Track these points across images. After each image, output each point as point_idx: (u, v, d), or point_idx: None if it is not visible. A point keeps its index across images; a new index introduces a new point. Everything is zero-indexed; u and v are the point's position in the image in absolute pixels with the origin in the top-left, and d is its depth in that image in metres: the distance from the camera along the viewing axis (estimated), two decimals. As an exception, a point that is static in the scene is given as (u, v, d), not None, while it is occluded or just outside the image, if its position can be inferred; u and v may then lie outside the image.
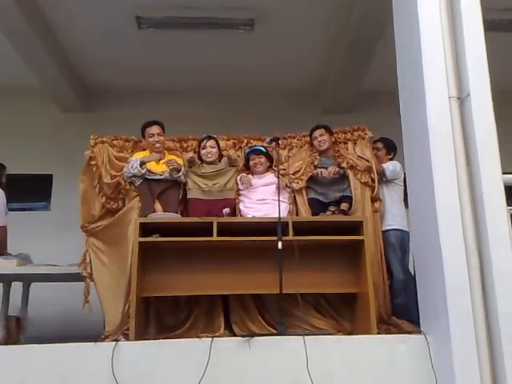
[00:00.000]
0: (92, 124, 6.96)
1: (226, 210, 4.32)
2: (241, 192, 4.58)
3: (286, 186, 4.53)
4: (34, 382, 3.41)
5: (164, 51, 7.04)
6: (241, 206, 4.51)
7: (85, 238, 4.49)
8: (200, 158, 4.66)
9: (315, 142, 4.74)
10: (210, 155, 4.59)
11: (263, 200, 4.42)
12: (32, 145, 7.53)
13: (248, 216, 4.37)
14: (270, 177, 4.58)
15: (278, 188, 4.14)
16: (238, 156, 4.80)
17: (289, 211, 4.44)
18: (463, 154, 3.48)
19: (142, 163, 4.41)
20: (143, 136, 4.65)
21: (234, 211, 4.48)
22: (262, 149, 4.62)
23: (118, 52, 7.05)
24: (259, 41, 6.80)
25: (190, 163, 4.57)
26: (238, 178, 4.59)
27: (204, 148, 4.62)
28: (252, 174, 4.66)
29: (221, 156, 4.67)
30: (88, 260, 4.39)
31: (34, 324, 5.23)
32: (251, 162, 4.65)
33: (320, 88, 7.85)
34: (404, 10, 4.05)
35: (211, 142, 4.64)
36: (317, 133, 4.74)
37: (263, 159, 4.62)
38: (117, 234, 4.36)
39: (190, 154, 4.64)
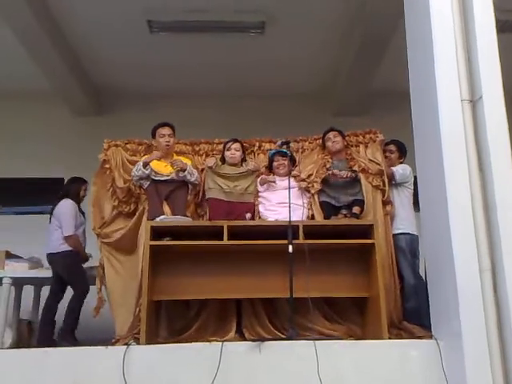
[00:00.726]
0: (103, 127, 6.99)
1: (248, 215, 4.32)
2: (260, 194, 4.58)
3: (306, 190, 4.54)
4: (46, 385, 3.43)
5: (175, 54, 7.06)
6: (261, 209, 4.51)
7: (98, 244, 4.51)
8: (223, 160, 4.68)
9: (329, 144, 4.71)
10: (233, 157, 4.60)
11: (284, 203, 4.39)
12: (44, 148, 7.59)
13: (269, 219, 4.37)
14: (292, 180, 4.57)
15: (289, 191, 4.08)
16: (251, 158, 4.82)
17: (308, 216, 4.44)
18: (475, 157, 3.45)
19: (145, 164, 4.42)
20: (153, 137, 4.67)
21: (253, 215, 4.48)
22: (287, 152, 4.58)
23: (129, 56, 7.08)
24: (269, 43, 6.80)
25: (210, 168, 4.56)
26: (259, 179, 4.59)
27: (229, 150, 4.63)
28: (273, 175, 4.66)
29: (243, 160, 4.69)
30: (102, 267, 4.43)
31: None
32: (275, 164, 4.65)
33: (330, 90, 7.83)
34: (415, 11, 4.03)
35: (236, 145, 4.65)
36: (331, 134, 4.73)
37: (287, 161, 4.60)
38: (131, 240, 4.39)
39: (213, 161, 4.58)
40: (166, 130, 4.61)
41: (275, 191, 4.53)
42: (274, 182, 4.56)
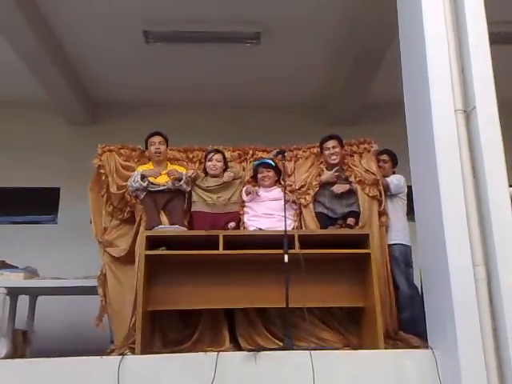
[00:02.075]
0: (99, 137, 6.88)
1: (232, 225, 4.34)
2: (246, 204, 4.57)
3: (293, 202, 4.51)
4: (40, 396, 3.40)
5: (171, 65, 7.10)
6: (245, 218, 4.51)
7: (101, 253, 4.50)
8: (204, 171, 4.69)
9: (326, 153, 4.66)
10: (214, 168, 4.61)
11: (269, 214, 4.42)
12: (39, 158, 7.61)
13: (251, 228, 4.37)
14: (277, 191, 4.57)
15: (284, 202, 4.12)
16: (243, 168, 4.82)
17: (293, 228, 4.42)
18: (469, 167, 3.46)
19: (143, 177, 4.43)
20: (146, 147, 4.71)
21: (239, 225, 4.48)
22: (272, 162, 4.61)
23: (125, 66, 7.12)
24: (265, 54, 6.85)
25: (195, 178, 4.59)
26: (244, 188, 4.59)
27: (210, 161, 4.64)
28: (259, 187, 4.66)
29: (225, 170, 4.69)
30: (103, 275, 4.43)
31: (40, 337, 5.23)
32: (259, 175, 4.65)
33: (325, 100, 7.88)
34: (409, 23, 4.06)
35: (218, 156, 4.66)
36: (330, 143, 4.66)
37: (271, 173, 4.61)
38: (132, 251, 4.39)
39: (191, 172, 4.61)
40: (155, 139, 4.65)
41: (260, 202, 4.53)
42: (257, 194, 4.54)
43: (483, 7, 3.69)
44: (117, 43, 6.64)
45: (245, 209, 4.57)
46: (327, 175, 4.57)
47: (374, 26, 5.94)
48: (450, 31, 3.74)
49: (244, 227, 4.47)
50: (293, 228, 4.41)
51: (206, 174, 4.68)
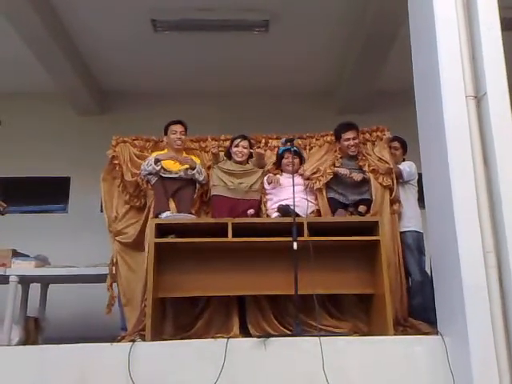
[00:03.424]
0: (108, 126, 7.00)
1: (251, 211, 4.29)
2: (268, 191, 4.57)
3: (311, 188, 4.52)
4: (52, 382, 3.44)
5: (179, 53, 7.08)
6: (268, 204, 4.52)
7: (111, 242, 4.53)
8: (227, 155, 4.68)
9: (345, 144, 4.62)
10: (240, 155, 4.60)
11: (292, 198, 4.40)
12: (50, 148, 7.64)
13: (274, 214, 4.37)
14: (299, 178, 4.56)
15: (293, 188, 4.09)
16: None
17: (313, 211, 4.45)
18: (480, 153, 3.44)
19: (157, 160, 4.44)
20: (165, 133, 4.70)
21: (258, 213, 4.48)
22: (297, 149, 4.58)
23: (133, 55, 7.11)
24: (274, 42, 6.81)
25: (215, 156, 4.59)
26: (266, 177, 4.58)
27: (237, 146, 4.63)
28: (281, 174, 4.65)
29: (249, 158, 4.68)
30: (114, 264, 4.45)
31: (51, 325, 5.27)
32: (285, 160, 4.62)
33: (335, 88, 7.83)
34: (420, 8, 4.02)
35: (245, 143, 4.65)
36: (350, 134, 4.61)
37: (297, 160, 4.58)
38: (143, 237, 4.40)
39: (215, 149, 4.61)
40: (178, 127, 4.66)
41: (283, 188, 4.52)
42: (279, 183, 4.52)
43: (495, -8, 3.65)
44: (125, 32, 6.63)
45: (267, 196, 4.57)
46: (343, 171, 4.53)
47: (384, 12, 5.87)
48: (460, 16, 3.70)
49: (267, 214, 4.47)
50: (313, 211, 4.44)
51: (230, 158, 4.66)
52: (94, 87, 7.81)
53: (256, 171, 4.62)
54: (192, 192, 4.56)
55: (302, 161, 4.66)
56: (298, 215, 4.02)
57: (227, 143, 4.76)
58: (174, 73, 7.43)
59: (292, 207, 4.05)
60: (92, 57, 7.21)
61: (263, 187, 4.60)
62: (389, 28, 6.08)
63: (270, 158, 4.81)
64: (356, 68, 7.14)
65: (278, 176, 4.60)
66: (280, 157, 4.68)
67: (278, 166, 4.71)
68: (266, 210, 4.51)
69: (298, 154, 4.58)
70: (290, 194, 4.27)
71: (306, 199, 4.23)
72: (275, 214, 4.37)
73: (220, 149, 4.77)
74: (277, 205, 4.40)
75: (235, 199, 4.46)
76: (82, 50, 7.04)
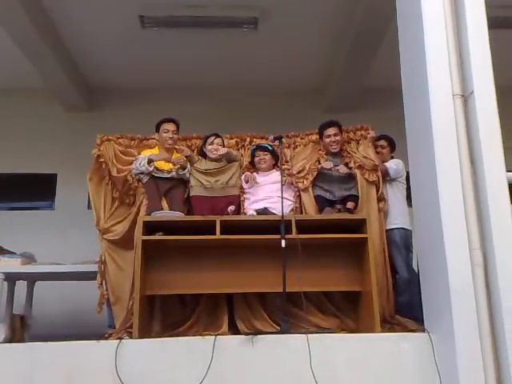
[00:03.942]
0: (96, 123, 6.98)
1: (231, 208, 4.32)
2: (246, 190, 4.57)
3: (292, 183, 4.52)
4: (39, 379, 3.42)
5: (167, 50, 7.05)
6: (245, 204, 4.52)
7: (99, 240, 4.50)
8: (201, 154, 4.67)
9: (327, 140, 4.66)
10: (215, 152, 4.59)
11: (269, 197, 4.41)
12: (36, 144, 7.58)
13: (249, 213, 4.37)
14: (276, 175, 4.55)
15: (281, 185, 4.12)
16: (242, 155, 4.80)
17: (292, 209, 4.44)
18: (467, 152, 3.46)
19: (150, 161, 4.42)
20: (157, 130, 4.67)
21: (239, 208, 4.48)
22: (268, 146, 4.61)
23: (121, 51, 7.07)
24: (263, 39, 6.80)
25: (189, 159, 4.59)
26: (243, 176, 4.59)
27: (211, 144, 4.62)
28: (257, 172, 4.65)
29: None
30: (103, 262, 4.43)
31: (38, 322, 5.24)
32: (256, 159, 4.65)
33: (323, 86, 7.84)
34: (407, 7, 4.04)
35: (219, 140, 4.64)
36: (331, 131, 4.65)
37: (268, 156, 4.61)
38: (131, 235, 4.37)
39: (188, 152, 4.63)
40: (170, 126, 4.63)
41: (260, 187, 4.53)
42: (256, 181, 4.53)
43: (482, -9, 3.67)
44: (113, 28, 6.59)
45: (245, 195, 4.57)
46: (327, 165, 4.55)
47: (372, 10, 5.89)
48: (448, 15, 3.72)
49: (244, 213, 4.47)
50: (292, 209, 4.43)
51: (204, 157, 4.66)
52: (81, 84, 7.76)
53: (230, 166, 4.60)
54: (183, 191, 4.55)
55: (275, 157, 4.64)
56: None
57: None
58: (162, 70, 7.40)
59: (269, 209, 4.06)
60: (80, 53, 7.15)
61: (241, 186, 4.59)
62: (377, 26, 6.10)
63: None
64: (345, 66, 7.15)
65: (254, 174, 4.61)
66: (252, 155, 4.70)
67: (252, 165, 4.72)
68: (244, 208, 4.51)
69: (269, 150, 4.60)
70: (266, 192, 4.33)
71: (282, 197, 4.20)
72: (252, 213, 4.36)
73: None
74: (254, 205, 4.42)
75: (213, 197, 4.45)
76: (69, 46, 6.98)
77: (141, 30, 6.58)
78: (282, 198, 4.02)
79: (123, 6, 6.16)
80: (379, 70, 6.85)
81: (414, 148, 3.90)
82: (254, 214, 4.34)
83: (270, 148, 4.61)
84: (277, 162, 4.64)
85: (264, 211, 4.25)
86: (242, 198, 4.56)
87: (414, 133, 3.91)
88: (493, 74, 3.52)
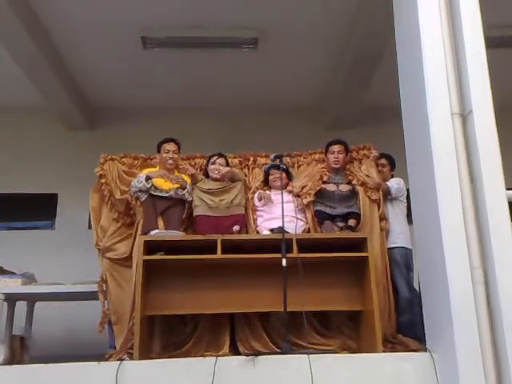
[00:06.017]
0: (97, 142, 7.02)
1: (236, 228, 4.30)
2: (258, 208, 4.56)
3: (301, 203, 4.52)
4: (38, 401, 3.39)
5: (168, 70, 7.12)
6: (258, 221, 4.51)
7: (100, 259, 4.49)
8: (205, 174, 4.68)
9: (330, 156, 4.69)
10: (217, 171, 4.59)
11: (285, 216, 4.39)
12: (37, 163, 7.60)
13: (263, 232, 4.37)
14: (289, 195, 4.55)
15: (282, 203, 4.10)
16: (246, 175, 4.81)
17: (304, 229, 4.44)
18: (467, 171, 3.46)
19: (148, 178, 4.42)
20: (158, 151, 4.68)
21: (246, 227, 4.48)
22: (283, 166, 4.58)
23: (123, 71, 7.13)
24: (263, 59, 6.88)
25: (193, 177, 4.60)
26: (256, 194, 4.58)
27: (213, 164, 4.63)
28: (270, 191, 4.65)
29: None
30: (104, 282, 4.42)
31: (38, 343, 5.21)
32: (271, 177, 4.65)
33: (323, 104, 7.89)
34: (406, 27, 4.07)
35: (221, 160, 4.65)
36: (336, 147, 4.69)
37: (284, 175, 4.59)
38: (131, 254, 4.38)
39: (192, 170, 4.65)
40: (170, 146, 4.63)
41: (273, 205, 4.51)
42: (271, 200, 4.52)
43: (479, 11, 3.70)
44: (115, 49, 6.66)
45: (258, 213, 4.56)
46: (331, 188, 4.58)
47: (371, 30, 5.95)
48: (446, 35, 3.74)
49: (257, 231, 4.46)
50: (304, 230, 4.44)
51: (207, 177, 4.67)
52: (83, 103, 7.81)
53: (234, 186, 4.59)
54: (181, 211, 4.52)
55: (289, 176, 4.67)
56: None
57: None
58: (163, 89, 7.47)
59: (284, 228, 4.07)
60: (82, 72, 7.21)
61: (253, 204, 4.59)
62: (376, 45, 6.15)
63: (258, 175, 4.82)
64: (344, 84, 7.19)
65: (268, 192, 4.61)
66: (266, 174, 4.71)
67: (266, 183, 4.72)
68: (257, 226, 4.50)
69: (284, 169, 4.60)
70: (280, 210, 4.29)
71: (296, 218, 4.22)
72: (266, 232, 4.36)
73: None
74: (266, 223, 4.41)
75: (218, 217, 4.44)
76: (71, 66, 7.04)
77: (142, 51, 6.65)
78: (283, 216, 4.00)
79: (125, 27, 6.24)
80: (380, 88, 6.85)
81: (414, 166, 3.91)
82: (268, 232, 4.33)
83: (285, 167, 4.61)
84: (289, 181, 4.65)
85: (279, 230, 4.20)
86: (254, 216, 4.55)
87: (413, 151, 3.93)
88: (491, 93, 3.54)
